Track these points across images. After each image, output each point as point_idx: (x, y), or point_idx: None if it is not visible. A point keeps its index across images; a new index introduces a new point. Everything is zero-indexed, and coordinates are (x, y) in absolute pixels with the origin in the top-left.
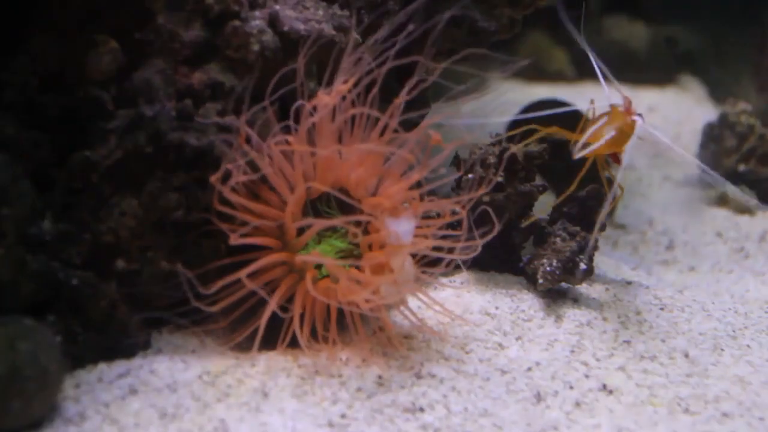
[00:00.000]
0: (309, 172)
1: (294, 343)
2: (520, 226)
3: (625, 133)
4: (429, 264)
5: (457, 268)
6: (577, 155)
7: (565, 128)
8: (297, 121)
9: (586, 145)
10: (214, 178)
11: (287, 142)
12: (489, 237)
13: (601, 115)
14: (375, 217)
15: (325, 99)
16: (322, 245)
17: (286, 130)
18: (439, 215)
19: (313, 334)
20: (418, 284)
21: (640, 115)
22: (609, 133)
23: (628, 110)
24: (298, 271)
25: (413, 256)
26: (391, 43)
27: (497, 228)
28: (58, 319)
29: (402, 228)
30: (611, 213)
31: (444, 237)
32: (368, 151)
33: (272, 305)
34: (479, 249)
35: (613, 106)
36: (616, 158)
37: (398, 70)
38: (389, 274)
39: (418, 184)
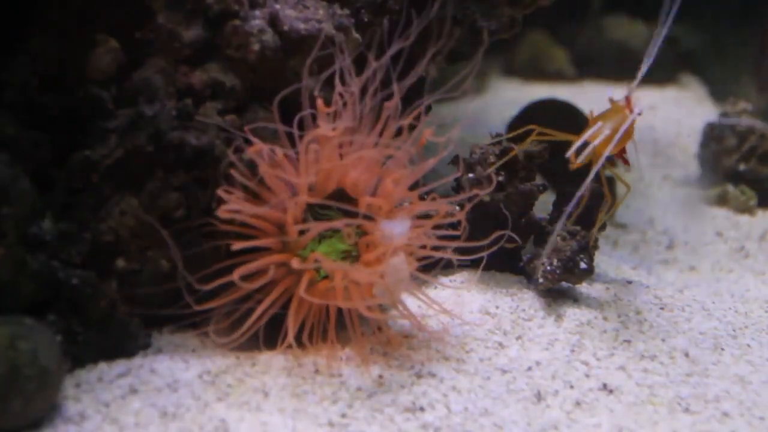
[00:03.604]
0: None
1: (294, 342)
2: (520, 225)
3: (626, 130)
4: (430, 264)
5: (458, 266)
6: (579, 159)
7: (566, 128)
8: (298, 123)
9: (585, 147)
10: (222, 191)
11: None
12: (495, 236)
13: (600, 115)
14: (373, 217)
15: (327, 131)
16: (322, 246)
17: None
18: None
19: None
20: (415, 283)
21: (639, 113)
22: (605, 132)
23: (628, 105)
24: (297, 272)
25: (413, 255)
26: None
27: (506, 232)
28: (58, 318)
29: (396, 230)
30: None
31: (444, 237)
32: (367, 156)
33: (263, 308)
34: (483, 249)
35: (612, 102)
36: (623, 159)
37: (397, 65)
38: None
39: (417, 184)
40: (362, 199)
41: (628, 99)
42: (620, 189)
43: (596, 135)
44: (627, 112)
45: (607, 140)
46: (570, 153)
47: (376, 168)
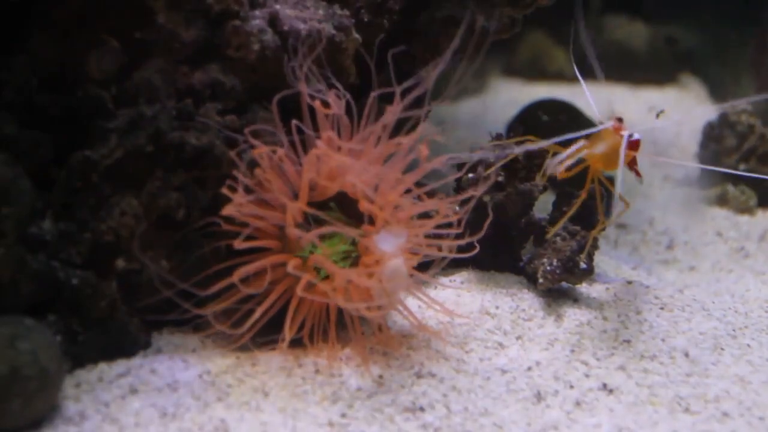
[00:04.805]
0: (312, 177)
1: (295, 343)
2: (520, 225)
3: (616, 151)
4: (430, 264)
5: (458, 267)
6: (550, 170)
7: (566, 128)
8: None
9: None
10: (225, 189)
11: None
12: (482, 233)
13: (593, 137)
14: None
15: (331, 135)
16: (322, 246)
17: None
18: (437, 213)
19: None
20: (415, 284)
21: (631, 135)
22: (594, 149)
23: (617, 128)
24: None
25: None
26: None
27: (489, 220)
28: (58, 318)
29: (390, 245)
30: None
31: (443, 236)
32: (367, 162)
33: (263, 309)
34: (478, 247)
35: (603, 126)
36: (636, 171)
37: (397, 66)
38: (378, 279)
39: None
40: (361, 204)
41: (617, 123)
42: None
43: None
44: (617, 135)
45: (600, 157)
46: (554, 165)
47: (375, 167)
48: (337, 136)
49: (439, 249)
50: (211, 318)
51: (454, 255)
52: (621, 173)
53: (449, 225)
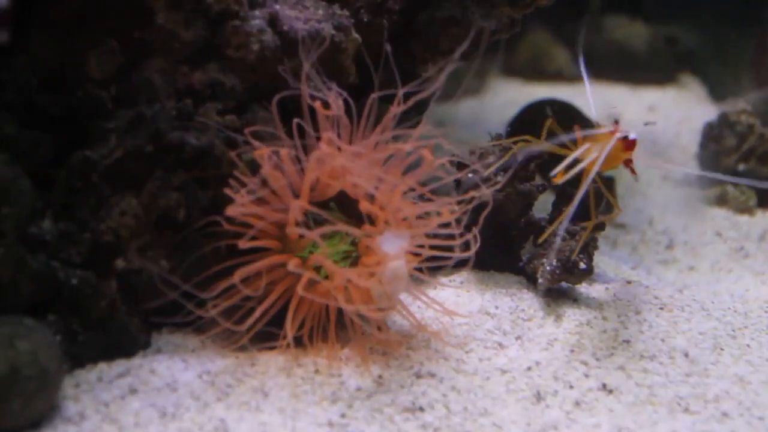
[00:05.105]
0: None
1: (294, 342)
2: (520, 225)
3: (613, 154)
4: (429, 263)
5: (457, 267)
6: (558, 180)
7: (565, 127)
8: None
9: (568, 169)
10: (229, 190)
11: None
12: (477, 229)
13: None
14: (373, 218)
15: (331, 147)
16: (323, 246)
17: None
18: (439, 215)
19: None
20: (415, 284)
21: (626, 136)
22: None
23: (614, 131)
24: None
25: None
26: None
27: (487, 210)
28: (58, 318)
29: (393, 246)
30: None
31: (442, 237)
32: (368, 163)
33: (263, 308)
34: (478, 245)
35: (599, 127)
36: (631, 169)
37: (397, 65)
38: (378, 279)
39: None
40: (362, 204)
41: (614, 125)
42: (620, 190)
43: (583, 156)
44: (613, 138)
45: (595, 161)
46: (556, 171)
47: (376, 169)
48: (337, 137)
49: (443, 250)
50: (217, 317)
51: (456, 255)
52: (596, 169)
53: (449, 226)
